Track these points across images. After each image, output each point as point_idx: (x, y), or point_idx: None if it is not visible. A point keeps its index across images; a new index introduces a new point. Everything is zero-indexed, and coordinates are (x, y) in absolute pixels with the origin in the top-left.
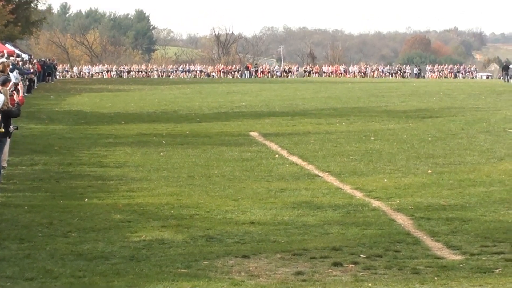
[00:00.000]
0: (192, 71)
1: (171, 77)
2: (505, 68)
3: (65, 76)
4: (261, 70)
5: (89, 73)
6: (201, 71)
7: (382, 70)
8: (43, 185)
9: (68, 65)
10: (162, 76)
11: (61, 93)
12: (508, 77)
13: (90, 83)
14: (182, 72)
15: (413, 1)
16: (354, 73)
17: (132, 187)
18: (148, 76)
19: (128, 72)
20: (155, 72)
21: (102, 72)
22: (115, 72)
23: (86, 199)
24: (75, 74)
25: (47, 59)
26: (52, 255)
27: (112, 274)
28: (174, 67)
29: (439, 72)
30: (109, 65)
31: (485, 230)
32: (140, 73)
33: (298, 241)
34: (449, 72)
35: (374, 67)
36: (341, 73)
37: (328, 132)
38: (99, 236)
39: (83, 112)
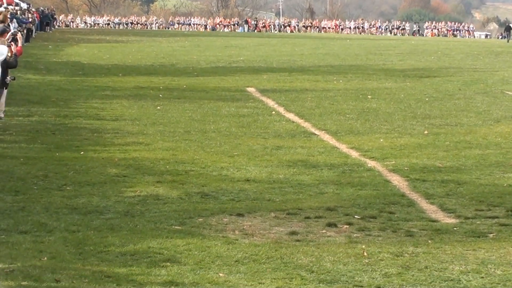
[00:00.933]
0: (191, 23)
1: (170, 29)
2: (507, 28)
3: (69, 26)
4: (262, 24)
5: (91, 24)
6: (199, 25)
7: (380, 27)
8: (39, 137)
9: (71, 15)
10: (161, 28)
11: (59, 43)
12: (511, 37)
13: (88, 34)
14: (182, 25)
15: None
16: (350, 28)
17: (128, 141)
18: (147, 28)
19: (129, 24)
20: (154, 24)
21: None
22: (117, 24)
23: (82, 152)
24: (77, 24)
25: (46, 8)
26: (46, 208)
27: (106, 229)
28: (176, 19)
29: (438, 30)
30: (112, 17)
31: (480, 194)
32: (139, 25)
33: (292, 200)
34: (448, 30)
35: (372, 23)
36: (341, 29)
37: (325, 90)
38: (94, 190)
39: (81, 63)
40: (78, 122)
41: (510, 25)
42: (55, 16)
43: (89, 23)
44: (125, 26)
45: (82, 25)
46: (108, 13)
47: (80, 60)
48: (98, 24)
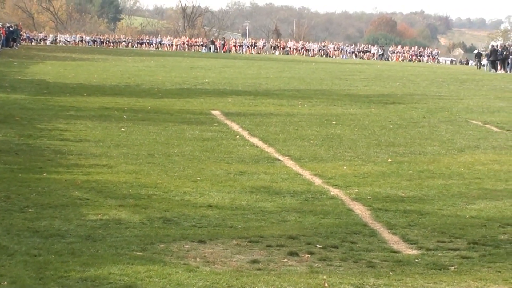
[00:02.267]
0: (162, 43)
1: (137, 47)
2: (478, 55)
3: (40, 42)
4: (234, 44)
5: (64, 41)
6: (170, 45)
7: (343, 49)
8: (2, 156)
9: (43, 33)
10: (131, 46)
11: (24, 60)
12: (480, 64)
13: (54, 51)
14: (151, 44)
15: None
16: (313, 50)
17: (91, 163)
18: (115, 46)
19: (97, 41)
20: (123, 43)
21: (74, 41)
22: (89, 42)
23: (45, 174)
24: (46, 41)
25: (12, 25)
26: (8, 231)
27: (68, 254)
28: (145, 38)
29: (402, 54)
30: (83, 34)
31: (442, 225)
32: (109, 43)
33: (255, 228)
34: (412, 55)
35: (337, 45)
36: (306, 50)
37: (290, 114)
38: (56, 212)
39: (46, 81)
40: (42, 143)
41: (480, 51)
42: (21, 32)
43: (63, 40)
44: (94, 43)
45: (49, 42)
46: (75, 30)
47: (45, 79)
48: (69, 42)
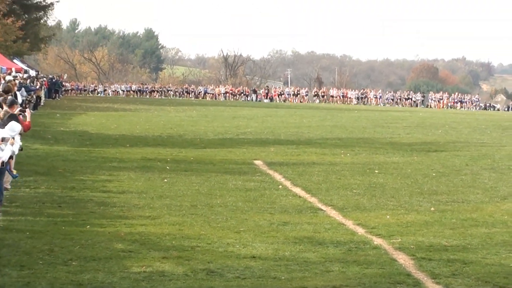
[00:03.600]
0: (208, 92)
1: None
2: None
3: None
4: (279, 93)
5: (113, 91)
6: (217, 94)
7: (383, 97)
8: (45, 209)
9: (95, 84)
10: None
11: (67, 111)
12: None
13: (96, 101)
14: (199, 92)
15: (422, 29)
16: (350, 98)
17: (134, 214)
18: (166, 96)
19: (145, 91)
20: (170, 91)
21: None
22: (136, 91)
23: (88, 226)
24: (104, 92)
25: (54, 76)
26: (52, 285)
27: None
28: (191, 87)
29: (443, 101)
30: (131, 84)
31: (486, 274)
32: (155, 92)
33: (298, 279)
34: (454, 101)
35: (377, 93)
36: (349, 98)
37: (332, 164)
38: (99, 265)
39: (89, 133)
40: (85, 195)
41: None
42: (63, 83)
43: (112, 90)
44: (142, 94)
45: (100, 93)
46: (117, 81)
47: (88, 130)
48: (118, 92)
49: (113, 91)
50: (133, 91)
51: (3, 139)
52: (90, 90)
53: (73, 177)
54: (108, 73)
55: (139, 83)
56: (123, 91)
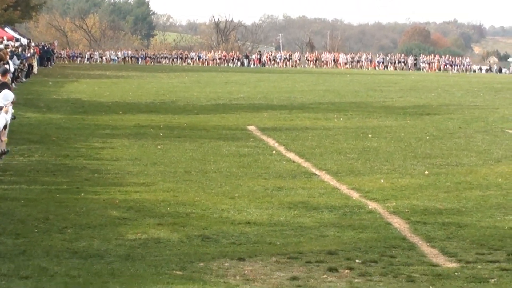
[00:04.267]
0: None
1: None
2: None
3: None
4: (270, 57)
5: (108, 59)
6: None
7: (378, 61)
8: (40, 177)
9: (91, 51)
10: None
11: (59, 79)
12: None
13: (88, 69)
14: (192, 58)
15: None
16: (345, 63)
17: (129, 181)
18: (159, 62)
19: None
20: (166, 58)
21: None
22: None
23: (83, 194)
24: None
25: (46, 44)
26: (47, 252)
27: (107, 274)
28: (185, 53)
29: (435, 64)
30: (126, 50)
31: (481, 237)
32: (149, 59)
33: (293, 244)
34: (446, 64)
35: (369, 57)
36: (342, 63)
37: (325, 128)
38: (94, 233)
39: (81, 100)
40: (79, 162)
41: None
42: (55, 51)
43: (108, 58)
44: (136, 60)
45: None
46: (108, 47)
47: (81, 97)
48: (118, 59)
49: (110, 58)
50: (130, 57)
51: None
52: (86, 57)
53: (66, 145)
54: (100, 40)
55: (133, 50)
56: (119, 58)
